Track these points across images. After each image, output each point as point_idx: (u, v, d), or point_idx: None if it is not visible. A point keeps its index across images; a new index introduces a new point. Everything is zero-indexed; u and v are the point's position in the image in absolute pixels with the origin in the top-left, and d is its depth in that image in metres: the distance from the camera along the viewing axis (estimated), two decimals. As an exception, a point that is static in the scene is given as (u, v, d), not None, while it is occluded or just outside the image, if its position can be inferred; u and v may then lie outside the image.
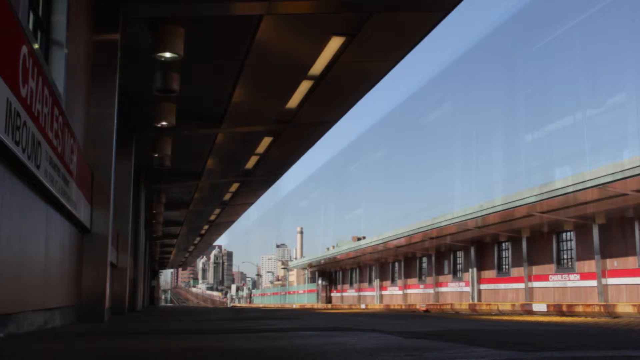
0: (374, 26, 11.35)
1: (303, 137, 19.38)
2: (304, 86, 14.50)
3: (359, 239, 57.72)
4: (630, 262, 24.79)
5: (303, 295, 68.55)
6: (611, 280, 25.50)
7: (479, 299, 34.93)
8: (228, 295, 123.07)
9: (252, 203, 33.45)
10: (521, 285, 31.52)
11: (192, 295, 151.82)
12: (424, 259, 43.06)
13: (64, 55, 8.05)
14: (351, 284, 56.75)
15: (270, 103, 16.07)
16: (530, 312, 23.66)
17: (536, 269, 30.64)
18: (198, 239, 49.17)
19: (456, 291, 38.08)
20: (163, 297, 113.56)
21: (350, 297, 56.15)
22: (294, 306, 58.67)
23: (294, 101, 15.53)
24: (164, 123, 14.42)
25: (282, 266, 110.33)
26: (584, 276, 27.43)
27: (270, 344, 5.12)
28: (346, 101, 16.14)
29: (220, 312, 20.24)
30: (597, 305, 22.01)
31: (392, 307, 41.04)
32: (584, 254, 27.54)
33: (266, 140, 19.30)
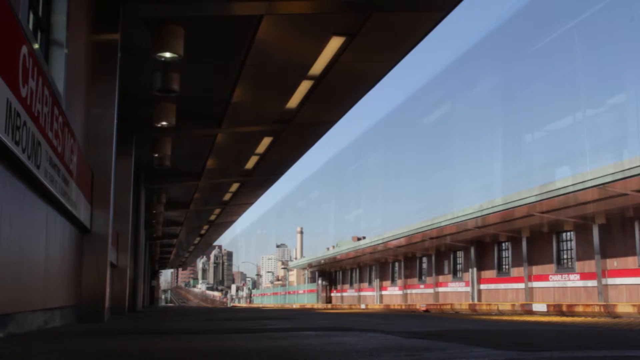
0: (374, 26, 11.35)
1: (303, 137, 19.38)
2: (304, 86, 14.50)
3: (359, 239, 57.74)
4: (630, 262, 24.80)
5: (303, 295, 68.54)
6: (611, 280, 25.50)
7: (479, 299, 34.93)
8: (228, 295, 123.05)
9: (252, 203, 33.45)
10: (521, 285, 31.52)
11: (192, 295, 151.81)
12: (424, 259, 43.06)
13: (64, 55, 8.04)
14: (351, 284, 56.74)
15: (270, 103, 16.07)
16: (530, 312, 23.66)
17: (536, 269, 30.64)
18: (198, 239, 49.17)
19: (456, 291, 38.08)
20: (163, 297, 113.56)
21: (350, 297, 56.14)
22: (294, 306, 58.66)
23: (294, 101, 15.52)
24: (164, 123, 14.42)
25: (282, 266, 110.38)
26: (584, 276, 27.43)
27: (270, 344, 5.12)
28: (346, 101, 16.14)
29: (220, 312, 20.23)
30: (597, 305, 22.01)
31: (392, 307, 41.03)
32: (584, 254, 27.55)
33: (266, 140, 19.31)
